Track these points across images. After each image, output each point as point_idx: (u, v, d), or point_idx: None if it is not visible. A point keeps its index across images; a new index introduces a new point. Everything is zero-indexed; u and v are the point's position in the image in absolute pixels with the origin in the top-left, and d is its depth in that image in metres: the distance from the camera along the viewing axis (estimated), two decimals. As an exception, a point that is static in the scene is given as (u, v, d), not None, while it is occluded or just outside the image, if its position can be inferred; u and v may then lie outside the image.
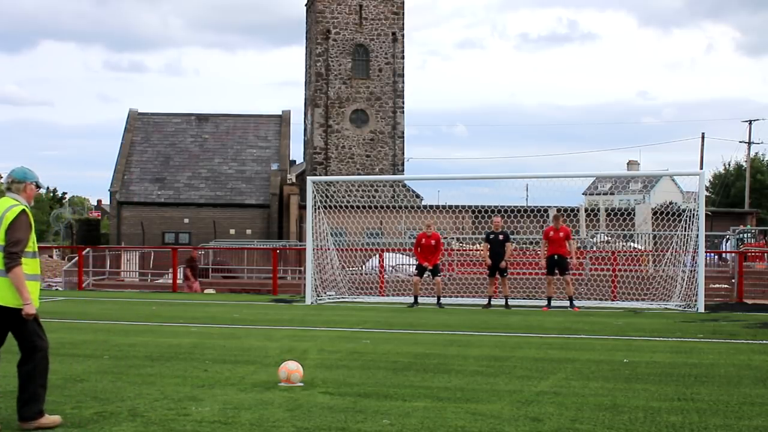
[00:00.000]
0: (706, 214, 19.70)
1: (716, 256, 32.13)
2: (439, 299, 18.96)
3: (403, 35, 55.26)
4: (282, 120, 52.18)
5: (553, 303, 18.49)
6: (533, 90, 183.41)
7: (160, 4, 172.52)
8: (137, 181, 48.90)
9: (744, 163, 64.98)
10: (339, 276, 21.57)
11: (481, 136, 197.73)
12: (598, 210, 33.75)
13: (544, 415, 6.92)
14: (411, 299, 19.25)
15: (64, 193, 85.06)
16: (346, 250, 23.51)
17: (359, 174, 52.01)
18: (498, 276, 18.78)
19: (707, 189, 57.26)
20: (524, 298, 20.73)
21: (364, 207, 28.11)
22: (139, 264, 33.92)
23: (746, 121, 61.56)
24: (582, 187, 77.12)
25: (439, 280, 19.29)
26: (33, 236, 6.48)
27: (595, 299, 20.57)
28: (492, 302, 18.76)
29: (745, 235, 37.56)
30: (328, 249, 21.47)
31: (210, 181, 48.97)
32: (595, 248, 28.31)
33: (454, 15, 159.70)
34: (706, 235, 19.53)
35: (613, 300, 20.73)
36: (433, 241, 19.04)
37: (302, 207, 38.56)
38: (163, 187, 48.57)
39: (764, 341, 12.02)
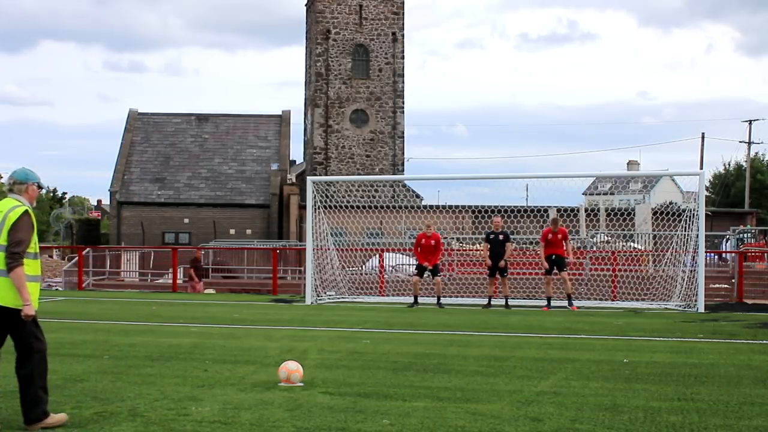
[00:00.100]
0: (706, 214, 19.70)
1: (716, 256, 32.13)
2: (439, 299, 18.96)
3: (403, 35, 55.28)
4: (282, 120, 52.19)
5: (553, 303, 18.53)
6: (533, 90, 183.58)
7: (160, 4, 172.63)
8: (137, 181, 48.91)
9: (744, 163, 64.99)
10: (339, 276, 21.57)
11: (481, 136, 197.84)
12: (598, 210, 33.77)
13: (544, 415, 6.92)
14: (411, 299, 19.25)
15: (64, 193, 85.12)
16: (346, 250, 23.51)
17: (359, 174, 52.01)
18: (498, 276, 18.79)
19: (707, 189, 57.27)
20: (524, 298, 20.74)
21: (364, 207, 28.10)
22: (139, 264, 33.93)
23: (746, 121, 61.65)
24: (582, 187, 77.26)
25: (439, 280, 19.29)
26: (35, 237, 6.49)
27: (595, 299, 20.57)
28: (492, 302, 18.77)
29: (745, 235, 37.56)
30: (328, 249, 21.47)
31: (210, 181, 48.98)
32: (595, 248, 28.32)
33: (454, 15, 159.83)
34: (706, 235, 19.54)
35: (613, 300, 20.74)
36: (433, 242, 19.04)
37: (302, 207, 38.57)
38: (163, 187, 48.57)
39: (764, 341, 12.02)
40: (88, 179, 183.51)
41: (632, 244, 30.18)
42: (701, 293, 17.71)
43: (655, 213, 32.09)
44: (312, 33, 56.18)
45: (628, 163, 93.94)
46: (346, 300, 20.66)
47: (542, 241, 18.66)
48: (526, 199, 29.80)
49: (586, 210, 33.44)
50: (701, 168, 52.38)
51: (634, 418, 6.81)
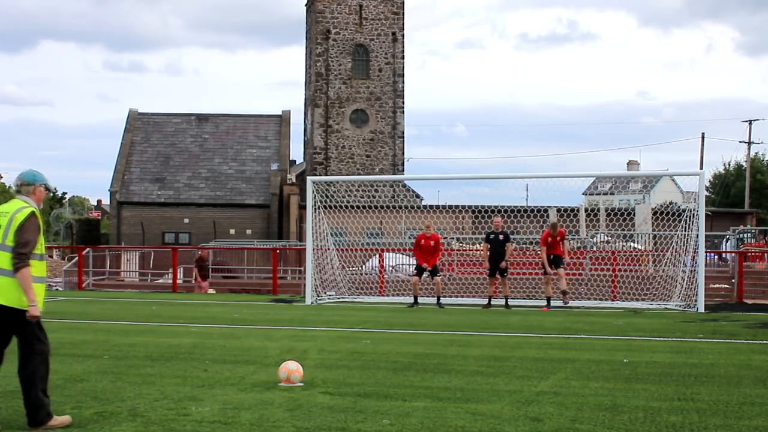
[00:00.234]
0: (706, 214, 19.71)
1: (716, 256, 32.14)
2: (439, 299, 18.97)
3: (403, 35, 55.28)
4: (282, 120, 52.19)
5: (553, 303, 18.57)
6: (533, 90, 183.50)
7: (160, 4, 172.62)
8: (137, 181, 48.91)
9: (744, 163, 64.99)
10: (339, 276, 21.57)
11: (481, 136, 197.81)
12: (598, 210, 33.78)
13: (544, 415, 6.92)
14: (411, 299, 19.26)
15: (64, 193, 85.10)
16: (346, 250, 23.51)
17: (359, 174, 52.01)
18: (498, 276, 18.80)
19: (707, 189, 57.25)
20: (524, 298, 20.75)
21: (364, 207, 28.11)
22: (139, 264, 33.95)
23: (746, 121, 61.62)
24: (582, 187, 77.34)
25: (438, 280, 19.30)
26: (42, 239, 6.51)
27: (595, 299, 20.58)
28: (492, 302, 18.78)
29: (745, 235, 37.57)
30: (328, 249, 21.47)
31: (210, 181, 48.99)
32: (595, 248, 28.33)
33: (454, 15, 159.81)
34: (706, 235, 19.54)
35: (613, 300, 20.74)
36: (432, 242, 19.05)
37: (302, 207, 38.57)
38: (163, 187, 48.57)
39: (764, 341, 12.02)
40: (88, 179, 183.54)
41: (632, 244, 30.19)
42: (701, 293, 17.71)
43: (655, 213, 32.10)
44: (312, 33, 56.18)
45: (628, 163, 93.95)
46: (346, 300, 20.66)
47: (543, 244, 18.76)
48: (526, 199, 29.82)
49: (586, 210, 33.46)
50: (701, 168, 52.37)
51: (634, 418, 6.81)
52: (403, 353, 10.53)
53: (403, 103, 55.12)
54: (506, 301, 18.67)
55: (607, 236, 30.78)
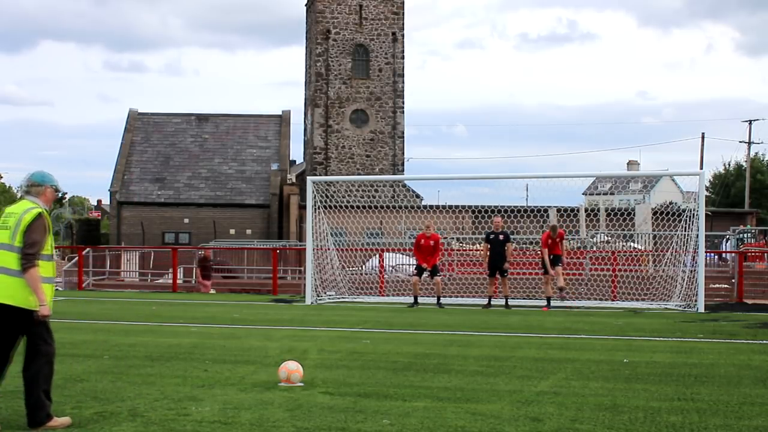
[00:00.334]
0: (706, 214, 19.72)
1: (716, 256, 32.14)
2: (439, 299, 18.97)
3: (403, 35, 55.28)
4: (282, 120, 52.18)
5: (553, 303, 18.60)
6: (533, 90, 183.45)
7: (159, 4, 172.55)
8: (137, 181, 48.91)
9: (744, 163, 64.97)
10: (339, 276, 21.57)
11: (481, 136, 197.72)
12: (598, 210, 33.78)
13: (544, 415, 6.92)
14: (411, 299, 19.26)
15: (64, 193, 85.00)
16: (346, 250, 23.51)
17: (359, 174, 52.01)
18: (498, 276, 18.81)
19: (707, 189, 57.23)
20: (524, 298, 20.75)
21: (364, 207, 28.11)
22: (139, 264, 33.94)
23: (746, 121, 61.62)
24: (582, 187, 77.32)
25: (438, 280, 19.30)
26: (50, 239, 6.55)
27: (595, 299, 20.58)
28: (492, 302, 18.78)
29: (745, 235, 37.57)
30: (328, 249, 21.47)
31: (210, 181, 48.98)
32: (595, 248, 28.33)
33: (454, 15, 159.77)
34: (706, 235, 19.55)
35: (613, 300, 20.75)
36: (432, 242, 19.05)
37: (302, 207, 38.56)
38: (163, 187, 48.57)
39: (764, 341, 12.03)
40: (88, 179, 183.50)
41: (632, 244, 30.19)
42: (701, 293, 17.72)
43: (655, 213, 32.11)
44: (312, 33, 56.18)
45: (628, 163, 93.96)
46: (346, 300, 20.66)
47: (544, 246, 18.82)
48: (526, 199, 29.82)
49: (586, 210, 33.46)
50: (701, 168, 52.37)
51: (634, 418, 6.81)
52: (403, 353, 10.53)
53: (403, 103, 55.13)
54: (506, 301, 18.67)
55: (607, 236, 30.78)
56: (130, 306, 18.69)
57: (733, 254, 27.10)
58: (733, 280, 22.83)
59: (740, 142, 63.28)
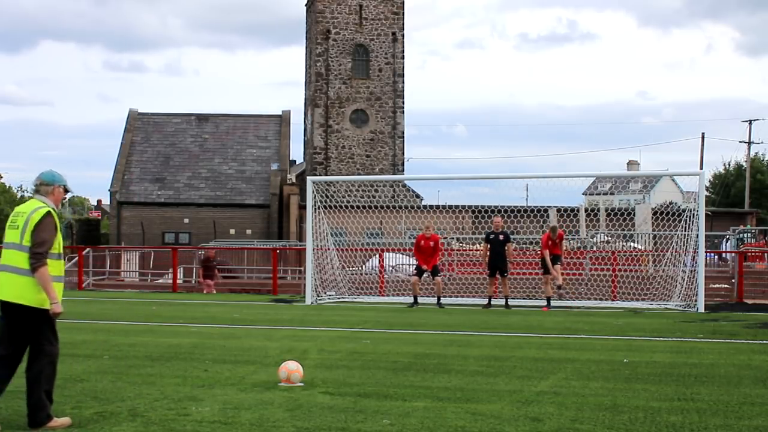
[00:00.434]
0: (706, 214, 19.72)
1: (716, 256, 32.13)
2: (439, 299, 18.97)
3: (403, 35, 55.27)
4: (282, 120, 52.18)
5: (553, 303, 18.61)
6: (533, 90, 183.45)
7: (159, 4, 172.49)
8: (137, 181, 48.90)
9: (744, 163, 64.95)
10: (339, 276, 21.57)
11: (481, 136, 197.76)
12: (598, 210, 33.77)
13: (544, 415, 6.92)
14: (411, 299, 19.26)
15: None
16: (346, 250, 23.51)
17: (359, 174, 52.00)
18: (498, 276, 18.82)
19: (707, 189, 57.21)
20: (524, 298, 20.75)
21: (364, 207, 28.09)
22: (139, 264, 33.93)
23: (746, 121, 61.60)
24: (582, 187, 77.25)
25: (439, 280, 19.30)
26: (59, 238, 6.57)
27: (595, 299, 20.58)
28: (492, 302, 18.78)
29: (745, 235, 37.56)
30: (328, 249, 21.47)
31: (210, 181, 48.98)
32: (595, 248, 28.32)
33: (454, 15, 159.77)
34: (706, 235, 19.55)
35: (613, 300, 20.74)
36: (431, 243, 19.05)
37: (302, 207, 38.55)
38: (163, 187, 48.56)
39: (764, 341, 12.02)
40: (88, 179, 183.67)
41: (632, 244, 30.18)
42: (701, 293, 17.72)
43: (655, 213, 32.09)
44: (312, 33, 56.18)
45: (628, 163, 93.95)
46: (346, 300, 20.66)
47: (544, 248, 18.84)
48: (526, 199, 29.83)
49: (586, 210, 33.45)
50: (701, 168, 52.37)
51: (634, 418, 6.81)
52: (403, 353, 10.53)
53: (403, 103, 55.12)
54: (506, 301, 18.68)
55: (607, 236, 30.78)
56: (130, 306, 18.69)
57: (733, 254, 27.09)
58: (733, 280, 22.82)
59: (740, 142, 63.32)
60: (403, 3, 55.26)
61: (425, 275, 19.43)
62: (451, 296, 21.22)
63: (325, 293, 20.76)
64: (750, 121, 61.38)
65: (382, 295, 22.10)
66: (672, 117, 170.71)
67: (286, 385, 8.12)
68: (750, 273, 26.17)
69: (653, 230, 29.85)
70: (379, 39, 54.85)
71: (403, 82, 55.10)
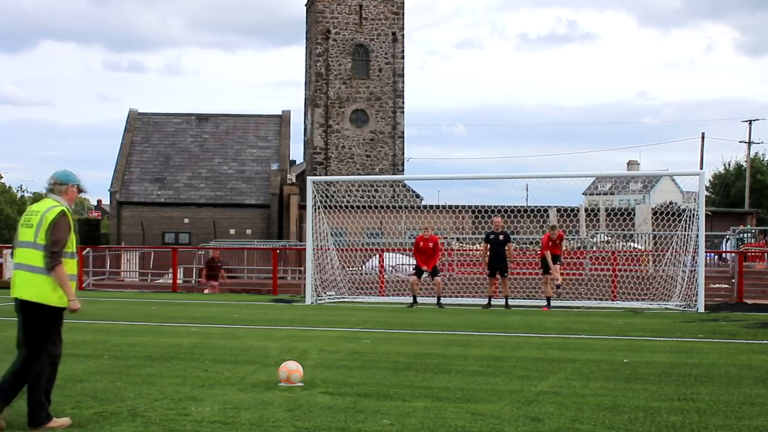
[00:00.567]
0: (706, 214, 19.72)
1: (716, 256, 32.13)
2: (439, 299, 18.97)
3: (403, 35, 55.27)
4: (282, 120, 52.17)
5: (553, 303, 18.62)
6: (533, 90, 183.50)
7: (159, 4, 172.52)
8: (137, 181, 48.90)
9: (744, 163, 64.96)
10: (339, 276, 21.57)
11: (481, 136, 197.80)
12: (598, 210, 33.77)
13: (544, 415, 6.92)
14: (411, 299, 19.26)
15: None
16: (346, 250, 23.51)
17: (359, 174, 52.00)
18: (498, 276, 18.82)
19: (707, 189, 57.19)
20: (524, 298, 20.76)
21: (364, 207, 28.09)
22: (139, 264, 33.93)
23: (746, 121, 61.62)
24: (582, 187, 77.39)
25: (439, 280, 19.30)
26: (73, 237, 6.62)
27: (595, 299, 20.59)
28: (492, 302, 18.78)
29: (745, 235, 37.56)
30: (328, 249, 21.47)
31: (210, 181, 48.97)
32: (595, 248, 28.32)
33: (454, 15, 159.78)
34: (706, 235, 19.55)
35: (613, 300, 20.75)
36: (431, 244, 19.06)
37: (302, 207, 38.55)
38: (163, 187, 48.56)
39: (764, 341, 12.02)
40: (88, 179, 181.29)
41: (632, 244, 30.18)
42: (701, 293, 17.72)
43: (655, 213, 32.10)
44: (312, 33, 56.17)
45: (628, 163, 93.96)
46: (346, 300, 20.66)
47: (545, 248, 18.86)
48: (526, 199, 29.85)
49: (586, 210, 33.45)
50: (701, 168, 52.36)
51: (634, 418, 6.81)
52: (403, 353, 10.53)
53: (403, 103, 55.12)
54: (506, 301, 18.68)
55: (607, 236, 30.77)
56: (130, 306, 18.69)
57: (733, 254, 27.09)
58: (733, 280, 22.82)
59: (740, 142, 63.33)
60: (403, 3, 55.27)
61: (425, 275, 19.43)
62: (451, 296, 21.22)
63: (325, 293, 20.76)
64: (750, 121, 61.45)
65: (382, 295, 22.10)
66: (672, 117, 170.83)
67: (286, 385, 8.12)
68: (750, 273, 26.18)
69: (653, 230, 29.85)
70: (379, 39, 54.85)
71: (403, 82, 55.11)
